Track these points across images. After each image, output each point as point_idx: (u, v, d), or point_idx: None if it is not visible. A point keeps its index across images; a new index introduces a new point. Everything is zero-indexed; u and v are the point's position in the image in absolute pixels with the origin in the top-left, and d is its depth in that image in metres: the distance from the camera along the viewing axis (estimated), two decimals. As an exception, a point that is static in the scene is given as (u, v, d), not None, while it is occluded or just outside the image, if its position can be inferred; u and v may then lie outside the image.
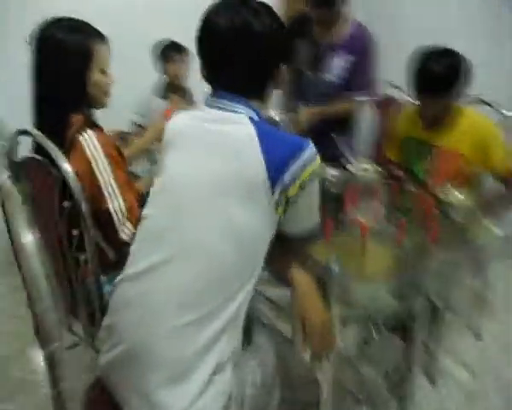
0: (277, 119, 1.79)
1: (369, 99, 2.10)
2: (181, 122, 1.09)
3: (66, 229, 1.22)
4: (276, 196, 0.96)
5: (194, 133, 1.04)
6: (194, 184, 0.99)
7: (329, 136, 2.01)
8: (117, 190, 1.25)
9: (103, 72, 1.36)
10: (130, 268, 1.01)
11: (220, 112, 1.02)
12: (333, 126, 2.08)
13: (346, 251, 1.37)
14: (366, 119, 2.87)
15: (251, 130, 0.97)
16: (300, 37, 2.06)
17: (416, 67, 1.69)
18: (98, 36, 1.34)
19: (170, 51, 2.59)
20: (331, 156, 1.96)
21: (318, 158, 1.02)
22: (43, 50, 1.27)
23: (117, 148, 1.32)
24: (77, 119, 1.29)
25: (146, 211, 1.05)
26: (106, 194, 1.25)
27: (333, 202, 1.70)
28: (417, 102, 1.79)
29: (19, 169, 1.25)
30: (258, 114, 1.04)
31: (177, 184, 1.02)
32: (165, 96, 2.63)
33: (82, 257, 1.23)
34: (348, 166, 1.87)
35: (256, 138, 0.96)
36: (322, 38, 2.03)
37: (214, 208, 0.96)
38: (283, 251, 1.14)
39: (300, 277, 1.10)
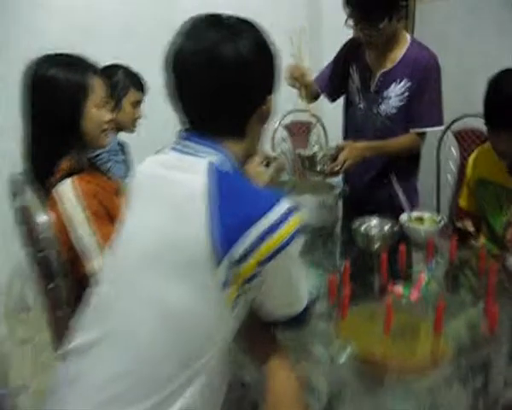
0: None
1: (438, 129, 1.71)
2: (145, 168, 0.91)
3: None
4: (222, 273, 0.72)
5: (151, 183, 0.86)
6: (135, 250, 0.80)
7: (388, 178, 1.69)
8: (96, 249, 1.11)
9: (100, 107, 1.25)
10: (69, 343, 0.85)
11: (181, 156, 0.82)
12: (392, 167, 1.75)
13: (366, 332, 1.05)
14: (446, 156, 2.45)
15: (202, 182, 0.75)
16: (352, 63, 1.79)
17: (485, 93, 1.32)
18: (93, 70, 1.25)
19: None
20: (388, 204, 1.65)
21: (295, 218, 0.75)
22: (34, 88, 1.21)
23: (100, 198, 1.18)
24: (65, 164, 1.19)
25: (99, 277, 0.88)
26: (81, 253, 1.12)
27: (367, 262, 1.38)
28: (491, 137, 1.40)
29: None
30: (230, 160, 0.82)
31: (122, 247, 0.84)
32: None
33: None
34: (401, 218, 1.53)
35: (206, 194, 0.73)
36: (377, 64, 1.73)
37: (145, 284, 0.76)
38: (262, 337, 0.89)
39: (280, 378, 0.83)
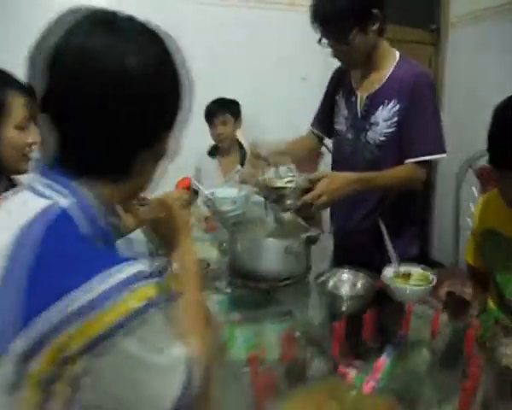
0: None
1: (438, 158, 1.37)
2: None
3: None
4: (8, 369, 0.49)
5: None
6: None
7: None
8: None
9: (20, 128, 1.09)
10: None
11: (28, 195, 0.62)
12: (381, 206, 1.46)
13: None
14: (466, 197, 2.11)
15: (17, 231, 0.54)
16: (339, 90, 1.54)
17: (490, 125, 1.03)
18: (15, 86, 1.09)
19: (210, 114, 2.33)
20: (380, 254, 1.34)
21: (132, 293, 0.52)
22: None
23: None
24: None
25: None
26: None
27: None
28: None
29: None
30: (88, 206, 0.61)
31: None
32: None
33: None
34: (383, 273, 1.23)
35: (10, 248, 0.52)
36: (362, 86, 1.47)
37: None
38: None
39: None
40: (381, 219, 1.34)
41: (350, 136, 1.50)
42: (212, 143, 2.46)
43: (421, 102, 1.33)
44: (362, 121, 1.45)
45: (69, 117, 0.60)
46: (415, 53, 3.35)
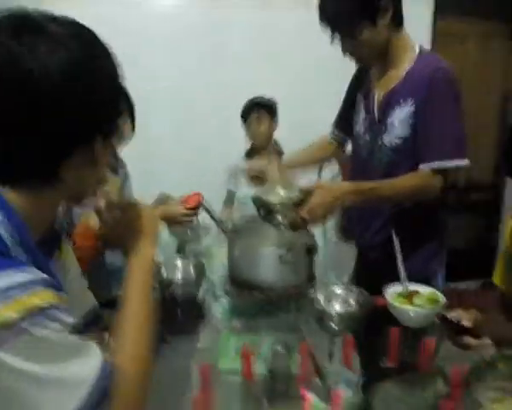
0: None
1: (459, 165, 1.21)
2: None
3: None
4: None
5: None
6: None
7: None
8: None
9: None
10: None
11: None
12: (395, 217, 1.32)
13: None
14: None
15: None
16: (359, 90, 1.43)
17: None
18: None
19: (245, 112, 2.29)
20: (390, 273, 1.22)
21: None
22: None
23: None
24: None
25: None
26: None
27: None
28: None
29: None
30: (5, 213, 0.60)
31: None
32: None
33: None
34: (386, 291, 1.11)
35: None
36: (379, 85, 1.34)
37: None
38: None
39: None
40: (395, 232, 1.22)
41: (367, 138, 1.38)
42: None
43: (437, 101, 1.18)
44: (379, 123, 1.33)
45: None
46: (486, 48, 3.02)
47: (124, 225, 0.84)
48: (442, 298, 1.07)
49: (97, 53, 0.65)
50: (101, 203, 0.88)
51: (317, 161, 1.63)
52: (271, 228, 1.27)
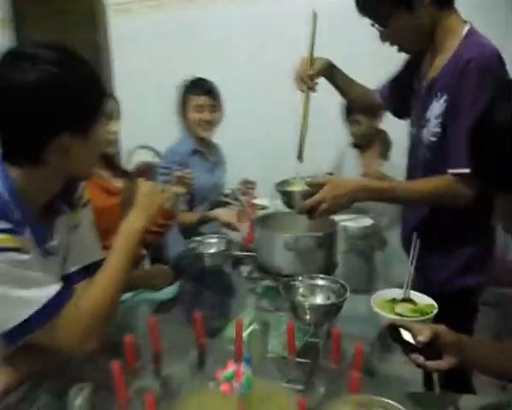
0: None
1: None
2: None
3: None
4: None
5: None
6: None
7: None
8: None
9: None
10: None
11: None
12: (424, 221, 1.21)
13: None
14: None
15: None
16: (414, 74, 1.29)
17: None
18: None
19: (345, 112, 2.27)
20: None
21: None
22: None
23: None
24: None
25: None
26: None
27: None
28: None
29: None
30: (3, 181, 0.86)
31: None
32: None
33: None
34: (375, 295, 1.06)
35: None
36: (424, 74, 1.18)
37: None
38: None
39: None
40: (418, 235, 1.13)
41: (414, 131, 1.27)
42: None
43: (466, 98, 1.02)
44: (421, 115, 1.21)
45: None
46: None
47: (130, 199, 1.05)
48: (432, 312, 0.96)
49: (67, 71, 0.84)
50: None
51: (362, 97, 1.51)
52: (292, 218, 1.31)
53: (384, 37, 1.15)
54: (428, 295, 1.19)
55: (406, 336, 0.83)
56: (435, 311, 0.98)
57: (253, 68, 3.14)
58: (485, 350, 0.88)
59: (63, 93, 0.83)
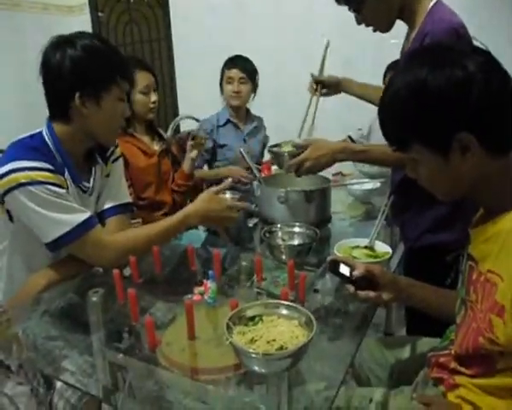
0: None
1: None
2: None
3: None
4: None
5: None
6: None
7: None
8: None
9: (144, 93, 1.80)
10: None
11: None
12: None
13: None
14: None
15: None
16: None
17: None
18: (139, 66, 1.80)
19: None
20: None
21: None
22: None
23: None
24: None
25: None
26: None
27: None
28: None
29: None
30: (49, 131, 1.17)
31: None
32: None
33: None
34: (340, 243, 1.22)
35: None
36: (405, 49, 1.28)
37: None
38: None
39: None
40: (394, 195, 1.29)
41: None
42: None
43: None
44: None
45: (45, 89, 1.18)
46: None
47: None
48: (385, 257, 1.11)
49: (82, 50, 1.13)
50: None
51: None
52: (289, 177, 1.50)
53: (359, 20, 1.26)
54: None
55: (343, 269, 0.99)
56: (387, 256, 1.13)
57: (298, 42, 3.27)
58: (422, 291, 1.02)
59: (76, 67, 1.12)
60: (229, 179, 1.37)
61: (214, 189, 1.30)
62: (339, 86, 1.56)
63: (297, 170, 1.33)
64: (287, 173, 1.42)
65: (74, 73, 1.12)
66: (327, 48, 1.50)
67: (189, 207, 1.27)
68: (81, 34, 1.17)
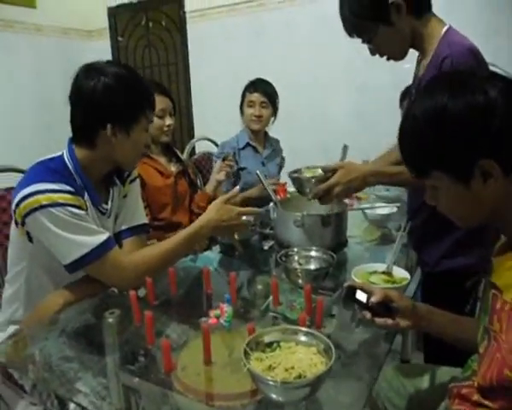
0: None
1: None
2: None
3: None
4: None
5: None
6: None
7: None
8: None
9: (159, 116, 1.83)
10: None
11: None
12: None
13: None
14: None
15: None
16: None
17: None
18: (157, 90, 1.81)
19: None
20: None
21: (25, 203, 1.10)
22: None
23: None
24: None
25: None
26: None
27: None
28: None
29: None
30: (71, 157, 1.19)
31: None
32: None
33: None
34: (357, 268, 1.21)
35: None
36: (416, 77, 1.29)
37: None
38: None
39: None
40: (413, 220, 1.27)
41: None
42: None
43: None
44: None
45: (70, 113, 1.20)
46: None
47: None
48: (403, 282, 1.10)
49: (116, 81, 1.15)
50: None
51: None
52: (304, 200, 1.49)
53: (373, 51, 1.27)
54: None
55: (360, 296, 0.97)
56: (405, 282, 1.11)
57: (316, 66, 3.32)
58: (441, 318, 0.99)
59: (109, 98, 1.14)
60: (237, 187, 1.35)
61: (223, 198, 1.30)
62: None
63: (323, 196, 1.31)
64: (311, 200, 1.39)
65: (108, 104, 1.15)
66: (345, 152, 1.40)
67: (201, 218, 1.27)
68: (111, 63, 1.20)
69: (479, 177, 0.73)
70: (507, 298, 0.75)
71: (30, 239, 1.17)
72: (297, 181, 1.43)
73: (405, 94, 2.35)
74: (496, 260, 0.80)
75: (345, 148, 1.38)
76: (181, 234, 1.26)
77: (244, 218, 1.42)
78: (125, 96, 1.17)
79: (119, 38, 4.24)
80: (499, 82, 0.73)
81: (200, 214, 1.91)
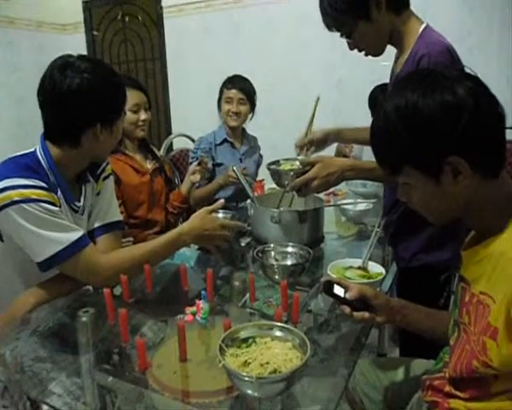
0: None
1: None
2: None
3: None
4: None
5: None
6: None
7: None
8: None
9: (133, 111, 1.79)
10: None
11: None
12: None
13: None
14: None
15: None
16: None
17: None
18: (131, 84, 1.77)
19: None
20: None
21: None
22: None
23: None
24: None
25: None
26: None
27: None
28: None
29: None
30: (44, 150, 1.16)
31: None
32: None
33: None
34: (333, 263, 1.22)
35: None
36: (394, 73, 1.31)
37: None
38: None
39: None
40: (387, 216, 1.29)
41: None
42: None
43: None
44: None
45: (44, 111, 1.16)
46: None
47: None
48: (379, 277, 1.11)
49: (99, 79, 1.13)
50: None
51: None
52: (284, 196, 1.49)
53: (351, 45, 1.28)
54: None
55: (338, 290, 0.98)
56: (381, 277, 1.13)
57: (291, 63, 3.34)
58: (415, 313, 1.01)
59: (96, 96, 1.12)
60: (222, 200, 1.35)
61: (208, 208, 1.30)
62: (327, 140, 1.52)
63: (301, 189, 1.31)
64: (290, 192, 1.39)
65: (96, 103, 1.13)
66: (317, 104, 1.45)
67: (184, 226, 1.26)
68: (84, 58, 1.15)
69: (448, 173, 0.74)
70: (475, 291, 0.77)
71: (0, 238, 1.14)
72: (275, 173, 1.42)
73: (376, 91, 2.39)
74: (464, 253, 0.82)
75: (317, 100, 1.44)
76: (162, 238, 1.24)
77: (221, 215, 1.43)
78: (110, 93, 1.15)
79: (95, 33, 4.16)
80: (469, 82, 0.75)
81: (174, 213, 1.92)
